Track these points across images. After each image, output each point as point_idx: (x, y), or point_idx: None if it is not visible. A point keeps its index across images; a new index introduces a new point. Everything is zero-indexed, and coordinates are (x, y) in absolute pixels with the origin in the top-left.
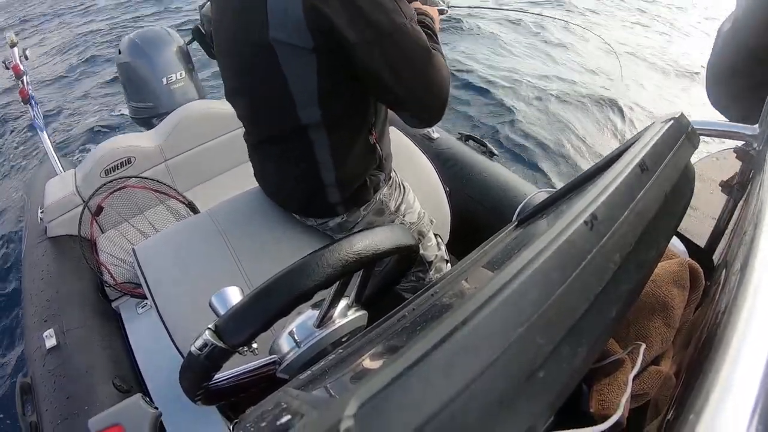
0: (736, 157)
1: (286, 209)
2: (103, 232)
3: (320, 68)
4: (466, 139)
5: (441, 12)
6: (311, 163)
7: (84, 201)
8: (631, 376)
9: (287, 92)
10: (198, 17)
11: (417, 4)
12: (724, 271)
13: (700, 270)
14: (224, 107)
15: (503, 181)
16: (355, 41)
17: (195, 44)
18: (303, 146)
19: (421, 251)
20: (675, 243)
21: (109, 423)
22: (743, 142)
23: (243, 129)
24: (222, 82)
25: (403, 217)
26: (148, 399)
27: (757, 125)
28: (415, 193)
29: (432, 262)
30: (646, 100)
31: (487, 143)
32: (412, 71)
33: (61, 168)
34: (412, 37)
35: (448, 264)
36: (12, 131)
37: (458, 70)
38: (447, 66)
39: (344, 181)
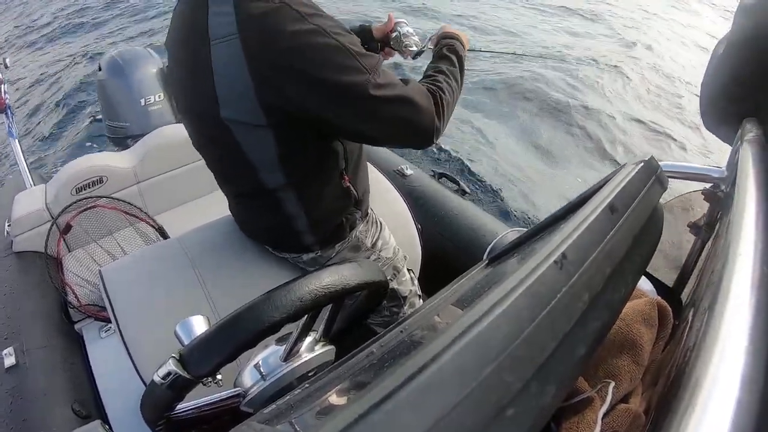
0: (704, 199)
1: (259, 243)
2: (70, 251)
3: (278, 139)
4: (439, 176)
5: (418, 53)
6: (283, 215)
7: (53, 217)
8: (600, 414)
9: (247, 161)
10: None
11: (447, 27)
12: (692, 310)
13: (669, 308)
14: None
15: (474, 219)
16: (317, 111)
17: None
18: (272, 203)
19: (396, 286)
20: (643, 282)
21: None
22: (711, 185)
23: None
24: None
25: (380, 252)
26: (107, 427)
27: (724, 168)
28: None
29: (406, 297)
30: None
31: (460, 181)
32: (386, 120)
33: (31, 182)
34: (378, 90)
35: (421, 300)
36: None
37: None
38: (437, 92)
39: (319, 225)
